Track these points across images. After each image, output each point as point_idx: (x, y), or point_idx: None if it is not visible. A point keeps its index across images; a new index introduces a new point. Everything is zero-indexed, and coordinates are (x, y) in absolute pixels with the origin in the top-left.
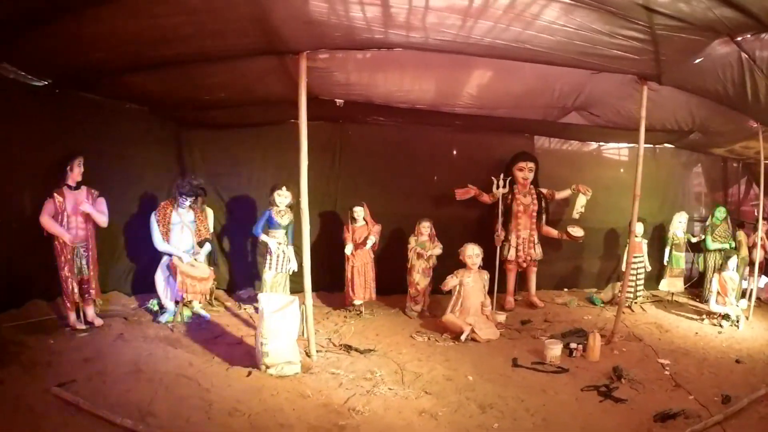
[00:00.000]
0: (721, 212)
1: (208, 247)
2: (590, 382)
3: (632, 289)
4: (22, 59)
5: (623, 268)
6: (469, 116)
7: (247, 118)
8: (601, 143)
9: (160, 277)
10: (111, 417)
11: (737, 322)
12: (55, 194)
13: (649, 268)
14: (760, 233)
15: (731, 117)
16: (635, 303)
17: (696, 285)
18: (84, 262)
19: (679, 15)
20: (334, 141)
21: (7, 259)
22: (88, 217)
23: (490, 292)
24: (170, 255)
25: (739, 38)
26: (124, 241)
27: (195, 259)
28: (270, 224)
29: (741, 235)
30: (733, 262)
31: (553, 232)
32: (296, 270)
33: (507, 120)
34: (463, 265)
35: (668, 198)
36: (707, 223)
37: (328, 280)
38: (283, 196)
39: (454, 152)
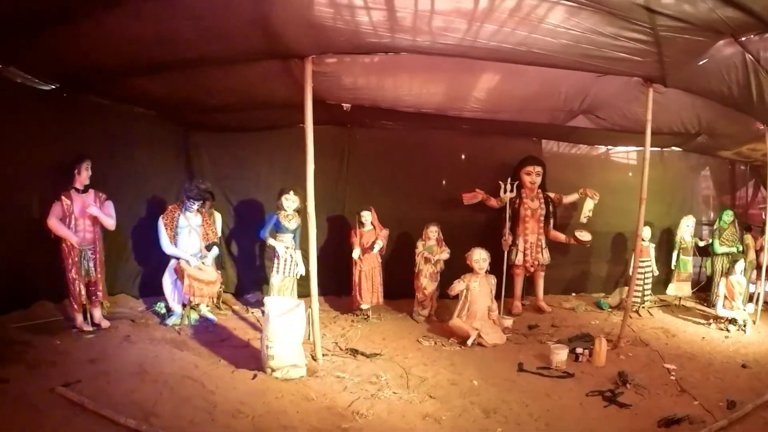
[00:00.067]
0: (728, 216)
1: (215, 250)
2: (595, 387)
3: (639, 294)
4: (29, 63)
5: (630, 273)
6: (477, 120)
7: (255, 121)
8: (609, 147)
9: (167, 280)
10: (114, 417)
11: (744, 326)
12: (63, 197)
13: (656, 273)
14: None
15: (737, 119)
16: (642, 307)
17: (704, 289)
18: (91, 264)
19: (681, 16)
20: (341, 145)
21: (15, 260)
22: (95, 220)
23: (498, 297)
24: (177, 258)
25: (742, 38)
26: (132, 244)
27: (202, 263)
28: (278, 228)
29: (748, 238)
30: (740, 265)
31: (561, 237)
32: (304, 274)
33: (514, 124)
34: (470, 270)
35: (676, 201)
36: (715, 226)
37: (336, 284)
38: (290, 200)
39: (462, 156)
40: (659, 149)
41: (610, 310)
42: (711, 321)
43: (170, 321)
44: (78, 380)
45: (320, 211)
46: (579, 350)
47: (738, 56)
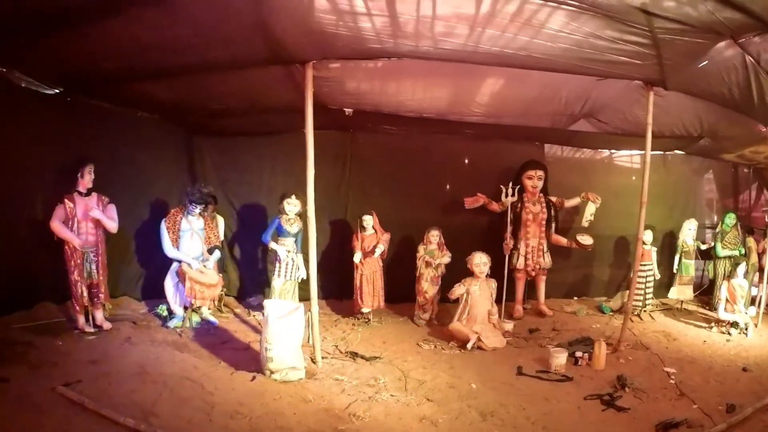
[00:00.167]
0: (730, 219)
1: (217, 254)
2: (594, 390)
3: (641, 297)
4: (33, 67)
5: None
6: (479, 125)
7: (257, 126)
8: (613, 150)
9: (169, 282)
10: (114, 416)
11: (746, 329)
12: (66, 200)
13: (658, 276)
14: None
15: (739, 121)
16: (644, 311)
17: (706, 293)
18: (93, 266)
19: (680, 18)
20: (344, 150)
21: (18, 261)
22: (98, 223)
23: (499, 301)
24: (180, 261)
25: (742, 40)
26: (134, 247)
27: (204, 266)
28: (279, 232)
29: (751, 241)
30: (742, 268)
31: (563, 241)
32: (305, 277)
33: (516, 128)
34: (470, 274)
35: (678, 205)
36: (717, 229)
37: (338, 287)
38: (292, 204)
39: (465, 161)
40: (662, 152)
41: (612, 313)
42: (713, 324)
43: (172, 323)
44: (79, 380)
45: (322, 215)
46: (578, 354)
47: (738, 58)
